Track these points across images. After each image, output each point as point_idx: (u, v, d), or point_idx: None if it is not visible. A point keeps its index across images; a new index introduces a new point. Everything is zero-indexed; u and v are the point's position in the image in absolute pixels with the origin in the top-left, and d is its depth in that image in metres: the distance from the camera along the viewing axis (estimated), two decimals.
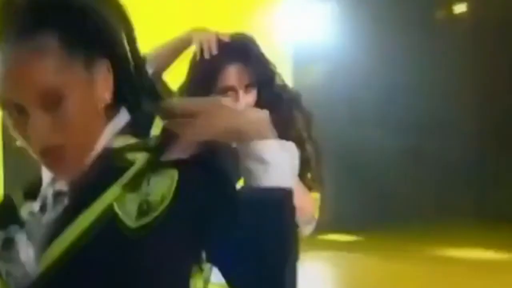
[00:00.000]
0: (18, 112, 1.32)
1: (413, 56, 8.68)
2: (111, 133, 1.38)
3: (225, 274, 1.29)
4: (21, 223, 1.38)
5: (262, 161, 1.30)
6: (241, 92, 2.54)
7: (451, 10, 9.51)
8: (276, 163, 1.30)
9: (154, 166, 1.30)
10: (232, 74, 2.55)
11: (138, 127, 1.39)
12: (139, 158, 1.32)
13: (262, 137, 1.31)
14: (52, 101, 1.30)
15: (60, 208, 1.35)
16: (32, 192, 1.43)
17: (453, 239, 8.07)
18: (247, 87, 2.55)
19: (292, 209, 1.29)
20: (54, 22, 1.31)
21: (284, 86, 2.67)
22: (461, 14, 9.53)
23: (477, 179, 9.21)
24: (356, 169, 8.42)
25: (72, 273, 1.27)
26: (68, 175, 1.33)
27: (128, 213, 1.27)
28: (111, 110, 1.38)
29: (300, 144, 2.47)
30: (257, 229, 1.26)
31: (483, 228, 8.34)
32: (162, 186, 1.29)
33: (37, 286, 1.29)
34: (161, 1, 7.09)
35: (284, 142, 1.40)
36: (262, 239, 1.26)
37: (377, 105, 8.57)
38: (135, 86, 1.41)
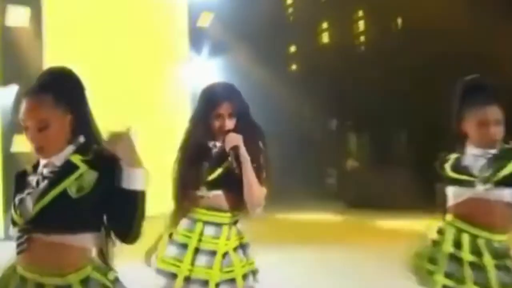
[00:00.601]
0: (27, 130, 2.29)
1: (272, 97, 11.98)
2: (71, 150, 2.35)
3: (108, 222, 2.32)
4: (28, 186, 2.35)
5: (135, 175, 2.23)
6: (226, 119, 3.05)
7: (290, 68, 13.48)
8: (136, 175, 2.23)
9: (88, 170, 2.30)
10: (223, 106, 3.07)
11: (85, 150, 2.35)
12: (82, 167, 2.30)
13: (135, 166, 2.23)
14: (42, 127, 2.27)
15: (44, 183, 2.33)
16: (35, 166, 2.41)
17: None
18: (230, 115, 3.06)
19: (139, 195, 2.24)
20: (51, 89, 2.28)
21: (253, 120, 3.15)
22: (295, 70, 13.58)
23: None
24: None
25: (47, 211, 2.28)
26: (45, 157, 2.33)
27: (72, 190, 2.27)
28: (73, 138, 2.36)
29: (259, 159, 3.06)
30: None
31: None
32: (88, 180, 2.29)
33: (32, 218, 2.30)
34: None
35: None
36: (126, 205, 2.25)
37: None
38: (86, 127, 2.37)
